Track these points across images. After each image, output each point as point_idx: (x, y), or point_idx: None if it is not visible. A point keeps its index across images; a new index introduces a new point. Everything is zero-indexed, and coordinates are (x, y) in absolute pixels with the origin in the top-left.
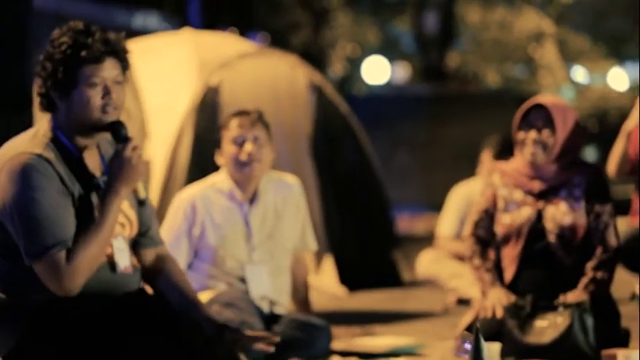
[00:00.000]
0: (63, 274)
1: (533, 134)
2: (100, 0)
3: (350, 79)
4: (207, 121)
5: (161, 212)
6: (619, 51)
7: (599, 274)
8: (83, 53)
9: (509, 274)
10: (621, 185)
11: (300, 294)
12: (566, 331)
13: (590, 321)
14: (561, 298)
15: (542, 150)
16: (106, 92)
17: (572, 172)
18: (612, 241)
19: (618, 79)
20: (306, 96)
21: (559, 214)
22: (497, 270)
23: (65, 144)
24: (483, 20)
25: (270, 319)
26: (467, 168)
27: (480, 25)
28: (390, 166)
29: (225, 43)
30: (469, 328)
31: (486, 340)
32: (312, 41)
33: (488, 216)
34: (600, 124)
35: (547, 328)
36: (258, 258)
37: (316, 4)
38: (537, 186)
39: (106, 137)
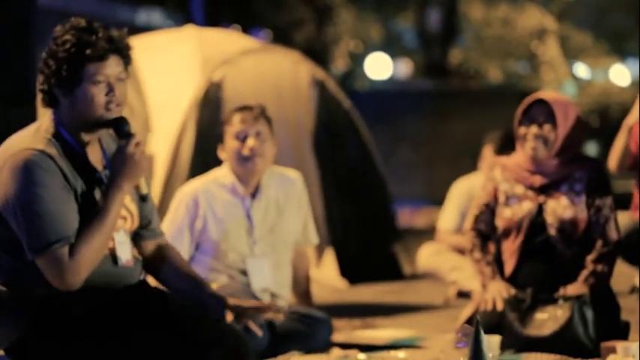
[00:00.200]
0: (66, 269)
1: (534, 129)
2: None
3: (352, 75)
4: (210, 116)
5: (163, 206)
6: (621, 47)
7: (599, 267)
8: (88, 51)
9: (509, 267)
10: (622, 180)
11: (302, 287)
12: (566, 323)
13: (590, 314)
14: (561, 291)
15: (544, 145)
16: (110, 89)
17: (574, 166)
18: (612, 234)
19: (620, 75)
20: (309, 92)
21: (560, 208)
22: (498, 263)
23: (67, 139)
24: (486, 17)
25: None
26: (468, 163)
27: (483, 22)
28: (392, 161)
29: (227, 40)
30: (469, 321)
31: (486, 332)
32: (314, 38)
33: (489, 210)
34: (602, 119)
35: (547, 320)
36: (259, 251)
37: (319, 0)
38: (538, 180)
39: (107, 131)
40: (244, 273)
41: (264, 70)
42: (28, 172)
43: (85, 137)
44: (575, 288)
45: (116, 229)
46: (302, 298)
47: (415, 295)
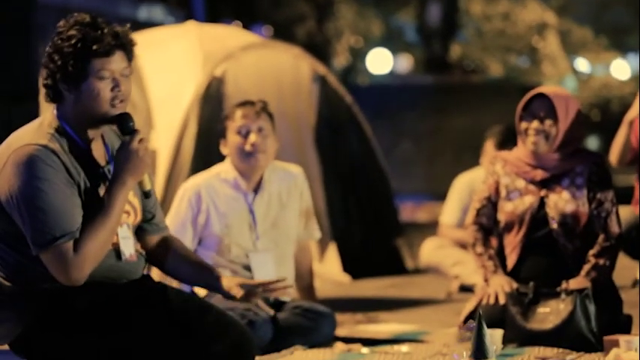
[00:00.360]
0: (70, 265)
1: (535, 124)
2: None
3: (354, 70)
4: (212, 112)
5: (166, 202)
6: (621, 42)
7: (601, 261)
8: (94, 47)
9: (511, 261)
10: (623, 174)
11: (305, 282)
12: (568, 317)
13: (592, 307)
14: (563, 285)
15: (545, 140)
16: (115, 85)
17: (575, 160)
18: (614, 228)
19: (620, 70)
20: (310, 87)
21: (561, 201)
22: (500, 257)
23: (70, 135)
24: (486, 11)
25: (274, 306)
26: (470, 158)
27: (483, 17)
28: (393, 156)
29: (229, 35)
30: (472, 315)
31: (489, 326)
32: (315, 33)
33: (491, 204)
34: (602, 113)
35: (549, 314)
36: (262, 246)
37: None
38: (540, 174)
39: (110, 126)
40: (247, 268)
41: (265, 65)
42: (31, 167)
43: (89, 132)
44: (578, 282)
45: (120, 224)
46: (305, 292)
47: (418, 289)
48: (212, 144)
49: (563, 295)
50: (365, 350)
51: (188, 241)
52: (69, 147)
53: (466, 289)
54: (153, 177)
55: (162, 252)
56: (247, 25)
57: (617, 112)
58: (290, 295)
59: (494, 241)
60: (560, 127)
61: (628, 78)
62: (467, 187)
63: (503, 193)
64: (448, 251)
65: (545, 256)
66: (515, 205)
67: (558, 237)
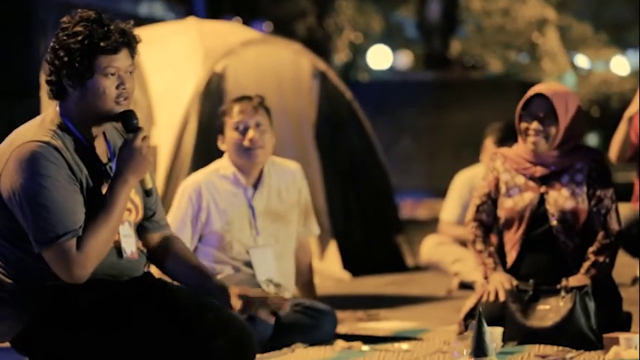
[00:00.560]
0: (73, 262)
1: (535, 125)
2: None
3: (354, 66)
4: (212, 108)
5: (167, 198)
6: (621, 38)
7: (601, 259)
8: (102, 44)
9: (511, 258)
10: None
11: (305, 278)
12: (568, 314)
13: (591, 305)
14: (563, 282)
15: (545, 140)
16: (121, 82)
17: (574, 157)
18: (614, 225)
19: (620, 66)
20: (310, 83)
21: (561, 198)
22: (500, 254)
23: (73, 131)
24: (486, 7)
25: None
26: (470, 154)
27: (483, 13)
28: (393, 153)
29: (229, 32)
30: (472, 313)
31: (489, 324)
32: (316, 29)
33: (491, 200)
34: (602, 110)
35: (549, 311)
36: (262, 242)
37: None
38: (539, 171)
39: (112, 124)
40: (249, 265)
41: (265, 61)
42: (34, 163)
43: (92, 130)
44: (577, 279)
45: (121, 221)
46: (305, 289)
47: (418, 286)
48: (213, 140)
49: (563, 293)
50: (365, 348)
51: (188, 238)
52: (71, 144)
53: (466, 286)
54: (154, 174)
55: (163, 252)
56: (247, 21)
57: (616, 109)
58: (290, 292)
59: (494, 238)
60: (560, 126)
61: (628, 74)
62: (467, 184)
63: (503, 189)
64: (448, 248)
65: (544, 253)
66: (515, 202)
67: (558, 234)
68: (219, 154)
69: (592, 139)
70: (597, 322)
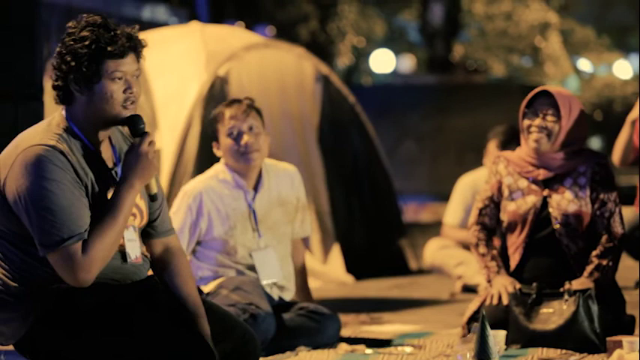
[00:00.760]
0: (78, 266)
1: (538, 121)
2: None
3: (357, 70)
4: None
5: (169, 201)
6: (623, 42)
7: (604, 262)
8: (109, 48)
9: (514, 261)
10: (626, 174)
11: (300, 280)
12: (571, 318)
13: (595, 308)
14: (566, 285)
15: (547, 137)
16: (128, 87)
17: (578, 160)
18: (617, 229)
19: (623, 70)
20: (313, 87)
21: (564, 201)
22: (503, 258)
23: (79, 136)
24: (489, 11)
25: (278, 308)
26: (473, 158)
27: (486, 17)
28: (396, 156)
29: (232, 35)
30: (475, 316)
31: (492, 327)
32: (319, 33)
33: (494, 204)
34: (605, 114)
35: (552, 315)
36: (264, 244)
37: None
38: (542, 174)
39: (117, 128)
40: (253, 269)
41: (268, 65)
42: (39, 167)
43: (98, 134)
44: (581, 282)
45: (126, 226)
46: (301, 291)
47: (421, 290)
48: None
49: (566, 296)
50: (369, 351)
51: (184, 246)
52: (77, 148)
53: (469, 289)
54: (158, 178)
55: (162, 267)
56: (251, 25)
57: (619, 112)
58: (292, 293)
59: (496, 242)
60: (563, 124)
61: (630, 78)
62: (470, 188)
63: (506, 193)
64: (451, 252)
65: (548, 256)
66: (518, 205)
67: (561, 237)
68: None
69: (595, 143)
70: (600, 326)
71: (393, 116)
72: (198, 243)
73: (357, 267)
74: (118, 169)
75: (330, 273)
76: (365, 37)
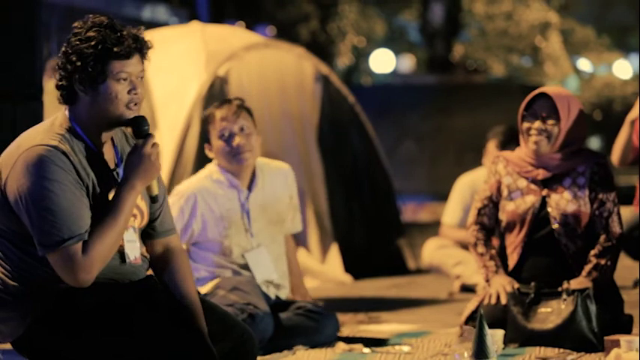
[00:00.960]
0: (78, 267)
1: (537, 124)
2: None
3: (357, 70)
4: None
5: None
6: (623, 42)
7: (602, 262)
8: (115, 49)
9: (512, 261)
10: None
11: (296, 277)
12: (569, 317)
13: (593, 308)
14: (565, 285)
15: (547, 140)
16: (132, 88)
17: (577, 160)
18: (615, 228)
19: (622, 70)
20: (313, 86)
21: (563, 201)
22: (501, 257)
23: (81, 136)
24: (489, 11)
25: (276, 307)
26: (472, 158)
27: (486, 16)
28: (395, 156)
29: (232, 35)
30: (473, 315)
31: (490, 326)
32: (319, 33)
33: (492, 204)
34: (605, 113)
35: (550, 314)
36: (257, 244)
37: None
38: (541, 174)
39: (119, 129)
40: (247, 268)
41: (268, 65)
42: (41, 167)
43: (101, 135)
44: (579, 282)
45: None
46: (297, 288)
47: (419, 289)
48: None
49: (564, 295)
50: (366, 350)
51: None
52: (79, 149)
53: (468, 289)
54: (162, 181)
55: (161, 268)
56: (251, 25)
57: (619, 112)
58: (288, 291)
59: (495, 241)
60: (562, 126)
61: (630, 78)
62: (469, 188)
63: (505, 192)
64: (450, 251)
65: (546, 256)
66: (517, 205)
67: (560, 237)
68: None
69: (594, 143)
70: (598, 325)
71: (393, 116)
72: (194, 244)
73: (356, 266)
74: (120, 170)
75: (329, 272)
76: (365, 37)
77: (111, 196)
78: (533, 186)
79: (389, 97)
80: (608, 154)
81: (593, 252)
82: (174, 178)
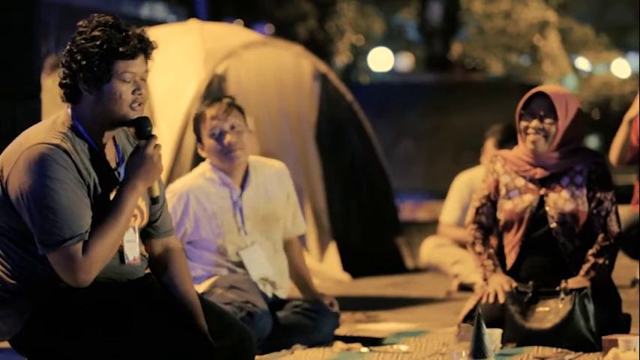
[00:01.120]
0: (78, 266)
1: (535, 123)
2: None
3: (355, 68)
4: None
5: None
6: (622, 41)
7: (600, 261)
8: (121, 49)
9: (510, 260)
10: (623, 173)
11: (305, 279)
12: (567, 316)
13: (591, 307)
14: (562, 284)
15: (544, 138)
16: (137, 88)
17: (575, 159)
18: (613, 227)
19: (621, 69)
20: (311, 85)
21: (561, 200)
22: (500, 256)
23: (83, 135)
24: (487, 10)
25: (274, 305)
26: (470, 156)
27: (484, 15)
28: (393, 155)
29: (230, 33)
30: (471, 314)
31: (488, 325)
32: (317, 32)
33: (490, 203)
34: (603, 112)
35: (548, 313)
36: (251, 241)
37: None
38: (539, 173)
39: (122, 129)
40: (242, 266)
41: (267, 63)
42: (43, 166)
43: (103, 134)
44: (577, 281)
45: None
46: (306, 289)
47: (417, 288)
48: None
49: (562, 295)
50: (364, 349)
51: None
52: (81, 148)
53: (466, 288)
54: (162, 182)
55: (161, 268)
56: (249, 24)
57: (617, 111)
58: (285, 290)
59: (493, 240)
60: (560, 125)
61: (628, 77)
62: (467, 186)
63: (502, 191)
64: (448, 250)
65: (544, 255)
66: (515, 204)
67: (558, 236)
68: None
69: (592, 142)
70: (596, 324)
71: (391, 115)
72: (189, 242)
73: (354, 265)
74: (121, 170)
75: (327, 271)
76: (363, 36)
77: (112, 196)
78: (531, 185)
79: (387, 96)
80: (606, 153)
81: (591, 251)
82: (173, 176)
